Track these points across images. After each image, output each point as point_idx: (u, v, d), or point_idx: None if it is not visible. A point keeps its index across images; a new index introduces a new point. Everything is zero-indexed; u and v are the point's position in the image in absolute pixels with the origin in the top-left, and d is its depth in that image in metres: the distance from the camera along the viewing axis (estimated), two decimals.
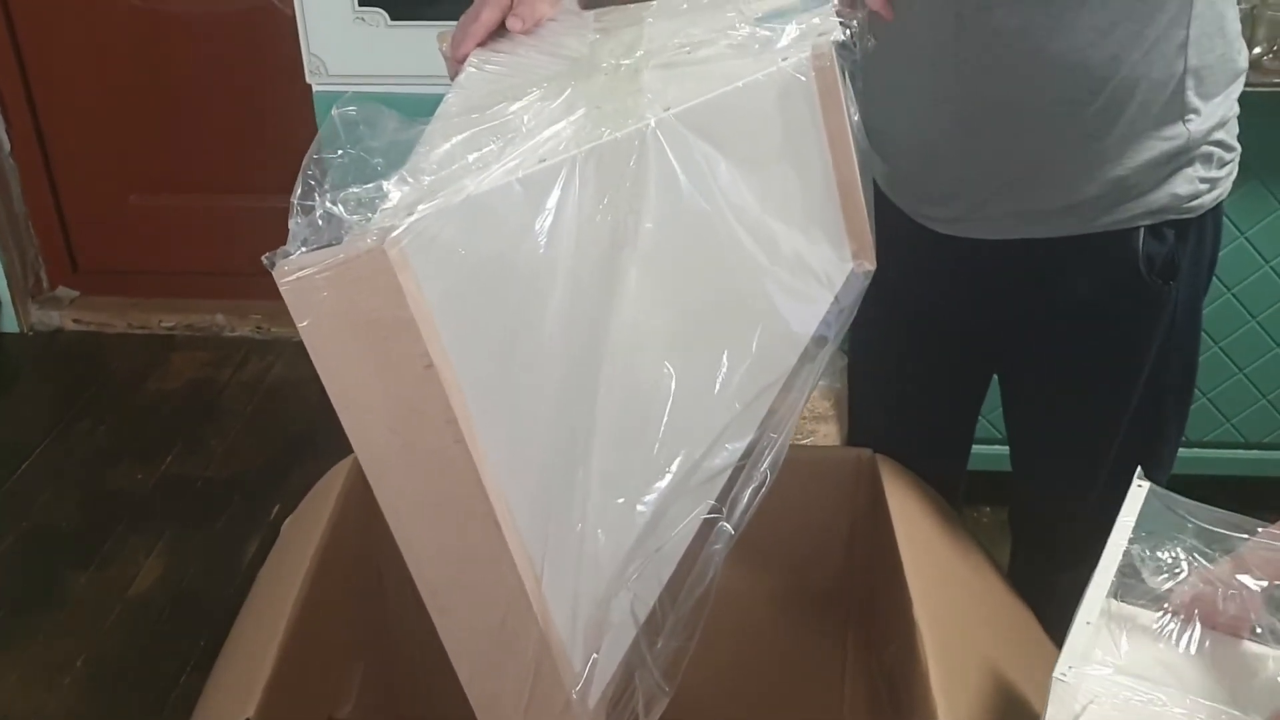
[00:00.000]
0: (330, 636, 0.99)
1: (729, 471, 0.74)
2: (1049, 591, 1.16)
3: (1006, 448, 1.27)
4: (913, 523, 1.00)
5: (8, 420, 2.42)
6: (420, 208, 0.57)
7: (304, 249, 0.58)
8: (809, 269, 0.74)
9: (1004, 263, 1.04)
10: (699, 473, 0.72)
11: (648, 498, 0.71)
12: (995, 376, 1.24)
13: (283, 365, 2.54)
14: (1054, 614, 1.10)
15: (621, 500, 0.70)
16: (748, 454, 0.74)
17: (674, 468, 0.71)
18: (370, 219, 0.57)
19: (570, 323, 0.63)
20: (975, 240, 1.03)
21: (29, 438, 2.32)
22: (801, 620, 1.19)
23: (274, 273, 0.58)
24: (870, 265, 0.79)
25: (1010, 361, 1.16)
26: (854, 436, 1.30)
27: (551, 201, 0.61)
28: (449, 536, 0.64)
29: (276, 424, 2.35)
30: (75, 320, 2.76)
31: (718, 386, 0.71)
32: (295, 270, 0.58)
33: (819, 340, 0.76)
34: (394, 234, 0.56)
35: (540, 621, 0.65)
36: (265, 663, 0.83)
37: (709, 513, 0.73)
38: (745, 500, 0.73)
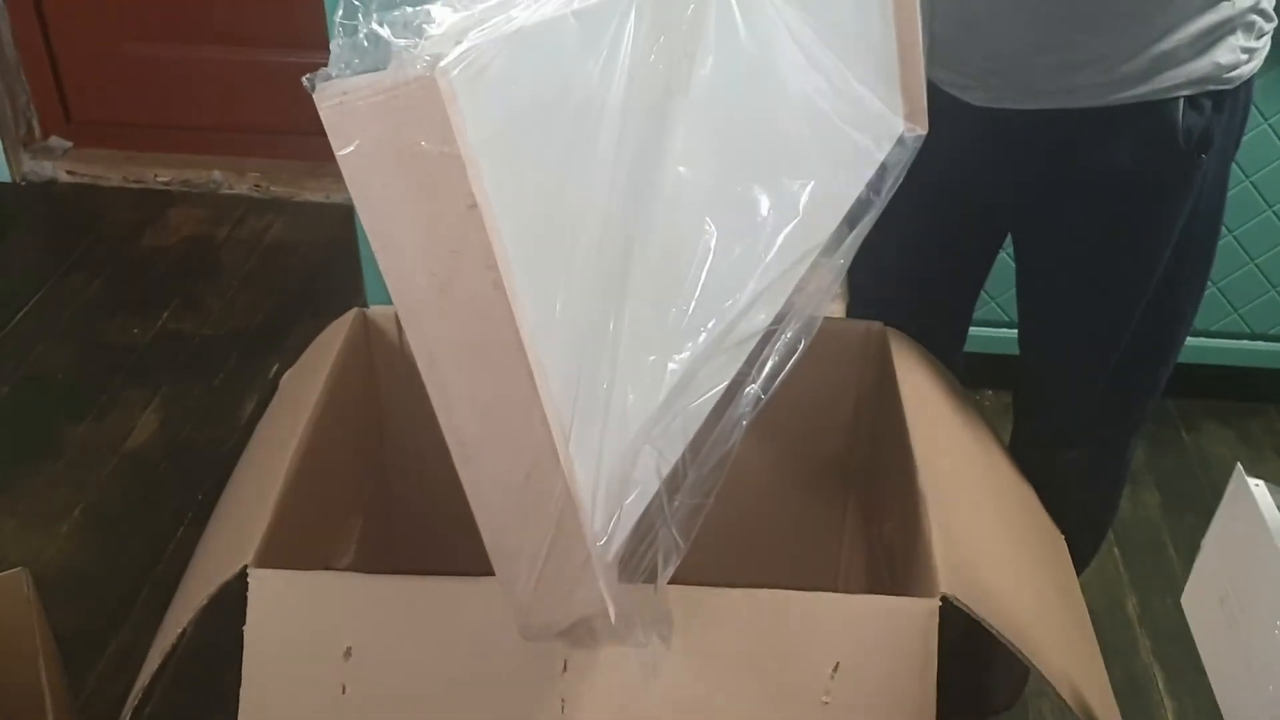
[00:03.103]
0: (329, 488, 0.99)
1: (760, 335, 0.73)
2: (1050, 470, 1.17)
3: (1010, 330, 1.26)
4: (921, 396, 1.00)
5: (1, 270, 2.39)
6: (471, 35, 0.55)
7: (348, 71, 0.56)
8: (862, 125, 0.72)
9: (1035, 130, 1.03)
10: (732, 334, 0.71)
11: (679, 356, 0.70)
12: (1005, 253, 1.22)
13: (281, 225, 2.51)
14: (1053, 493, 1.11)
15: (653, 358, 0.69)
16: (781, 318, 0.73)
17: (708, 328, 0.70)
18: (418, 44, 0.54)
19: (614, 170, 0.61)
20: (1008, 110, 1.02)
21: (23, 289, 2.29)
22: (803, 490, 1.20)
23: (315, 95, 0.56)
24: (922, 129, 0.77)
25: (1030, 231, 1.14)
26: (855, 308, 1.28)
27: (606, 39, 0.58)
28: (481, 384, 0.63)
29: (275, 283, 2.33)
30: (69, 172, 2.71)
31: (759, 246, 0.69)
32: (338, 94, 0.56)
33: (863, 204, 0.74)
34: (444, 62, 0.54)
35: (566, 475, 0.64)
36: (264, 512, 0.82)
37: (738, 376, 0.72)
38: (774, 365, 0.72)
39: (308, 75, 0.57)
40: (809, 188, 0.72)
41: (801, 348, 0.71)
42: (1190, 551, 1.70)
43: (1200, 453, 1.93)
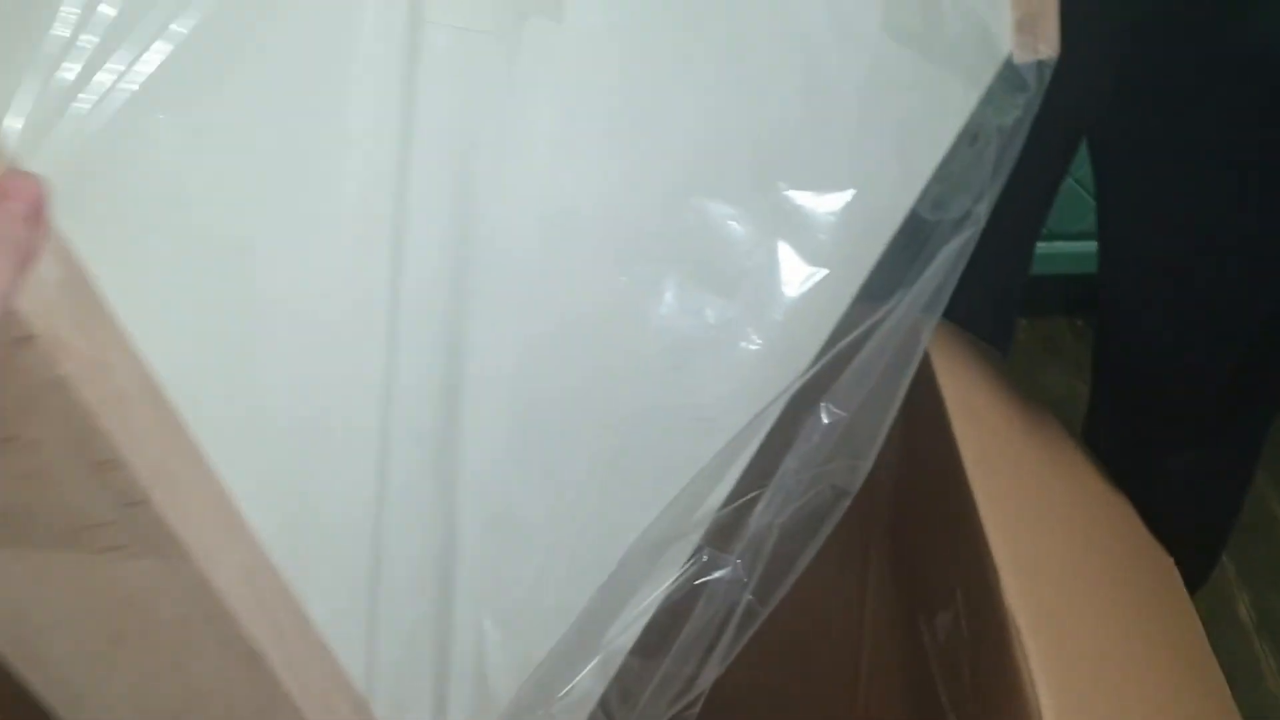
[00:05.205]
0: None
1: (734, 505, 0.39)
2: (1149, 477, 0.81)
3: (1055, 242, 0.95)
4: (971, 409, 0.65)
5: None
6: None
7: None
8: (930, 51, 0.36)
9: None
10: (678, 514, 0.38)
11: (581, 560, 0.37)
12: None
13: None
14: (1153, 502, 0.75)
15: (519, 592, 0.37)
16: (769, 471, 0.39)
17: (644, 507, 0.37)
18: None
19: (400, 170, 0.29)
20: None
21: None
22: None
23: None
24: (1050, 50, 0.41)
25: (1114, 153, 0.78)
26: None
27: None
28: (142, 665, 0.32)
29: None
30: None
31: (722, 325, 0.35)
32: None
33: (956, 216, 0.39)
34: None
35: None
36: None
37: (702, 573, 0.40)
38: (770, 559, 0.39)
39: None
40: (827, 199, 0.38)
41: (823, 530, 0.38)
42: None
43: None
